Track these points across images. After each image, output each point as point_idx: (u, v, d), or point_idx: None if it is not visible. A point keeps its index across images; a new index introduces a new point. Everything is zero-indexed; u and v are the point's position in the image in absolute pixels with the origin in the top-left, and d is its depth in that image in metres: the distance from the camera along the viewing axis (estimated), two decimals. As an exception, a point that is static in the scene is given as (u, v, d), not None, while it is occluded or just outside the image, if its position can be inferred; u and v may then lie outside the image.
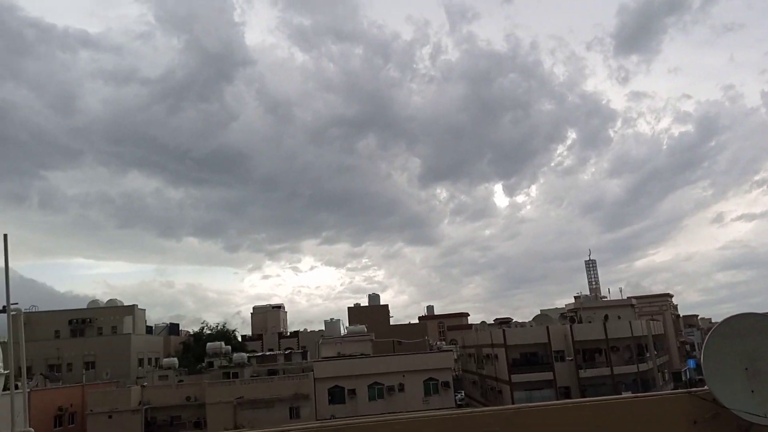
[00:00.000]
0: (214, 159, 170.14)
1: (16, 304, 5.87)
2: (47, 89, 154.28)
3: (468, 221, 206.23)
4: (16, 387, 5.96)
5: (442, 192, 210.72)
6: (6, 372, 5.91)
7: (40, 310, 71.54)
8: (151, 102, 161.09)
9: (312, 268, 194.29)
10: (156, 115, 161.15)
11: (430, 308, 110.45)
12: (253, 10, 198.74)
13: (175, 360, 64.64)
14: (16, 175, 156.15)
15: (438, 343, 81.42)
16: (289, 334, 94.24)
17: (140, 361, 71.80)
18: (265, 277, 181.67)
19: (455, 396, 58.05)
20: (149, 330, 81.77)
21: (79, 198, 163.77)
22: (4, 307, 5.80)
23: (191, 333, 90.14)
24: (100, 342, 70.31)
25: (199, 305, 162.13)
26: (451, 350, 66.74)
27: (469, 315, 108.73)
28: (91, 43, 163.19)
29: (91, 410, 48.77)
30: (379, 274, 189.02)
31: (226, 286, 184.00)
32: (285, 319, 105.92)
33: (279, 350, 77.98)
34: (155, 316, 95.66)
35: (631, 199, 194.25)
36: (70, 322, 73.04)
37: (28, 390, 5.67)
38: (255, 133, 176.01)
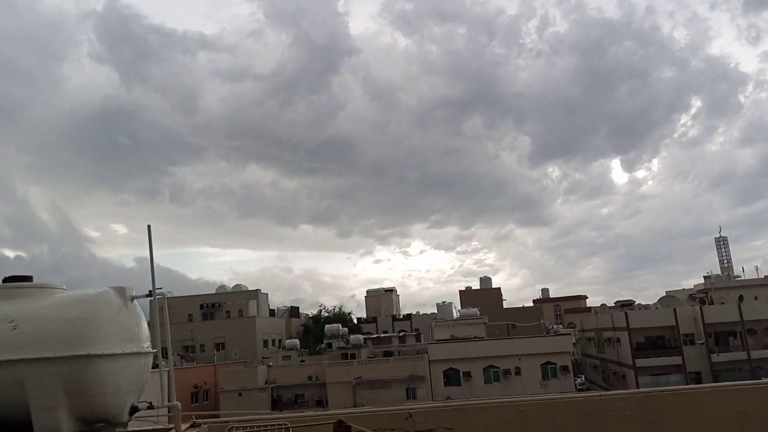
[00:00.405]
0: (325, 148, 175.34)
1: (161, 288, 6.40)
2: (171, 91, 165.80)
3: (583, 200, 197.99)
4: (156, 367, 6.55)
5: (554, 170, 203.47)
6: (155, 351, 6.49)
7: (175, 295, 77.78)
8: (265, 97, 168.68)
9: (421, 252, 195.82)
10: (270, 109, 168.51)
11: (545, 291, 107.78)
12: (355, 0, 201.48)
13: (297, 341, 67.82)
14: (148, 173, 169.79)
15: (554, 326, 79.31)
16: (402, 316, 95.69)
17: (265, 342, 76.02)
18: (377, 261, 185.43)
19: (575, 380, 56.40)
20: (272, 313, 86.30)
21: (204, 191, 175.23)
22: (150, 291, 6.35)
23: (310, 316, 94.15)
24: (228, 324, 75.22)
25: (316, 289, 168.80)
26: (569, 334, 64.78)
27: (587, 297, 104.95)
28: (207, 44, 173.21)
29: (222, 388, 52.38)
30: (490, 257, 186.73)
31: (340, 270, 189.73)
32: (398, 302, 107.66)
33: (393, 332, 79.47)
34: (277, 300, 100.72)
35: (767, 170, 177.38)
36: (201, 306, 78.69)
37: (172, 368, 6.15)
38: (362, 121, 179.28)
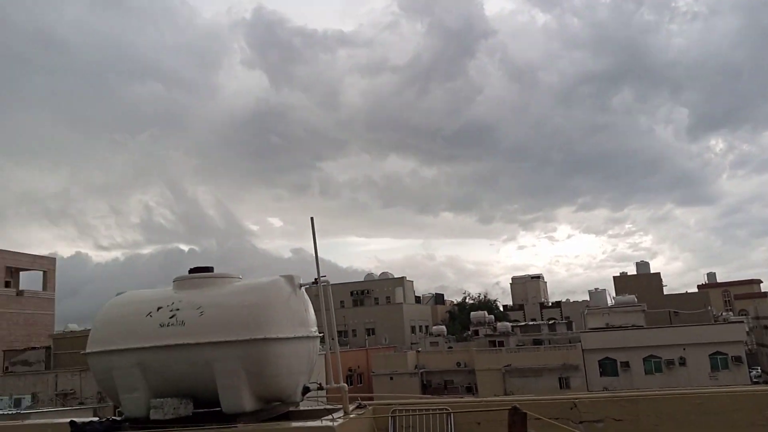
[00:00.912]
0: (463, 134, 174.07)
1: (325, 276, 6.75)
2: (315, 89, 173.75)
3: (753, 174, 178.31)
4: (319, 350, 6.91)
5: (717, 143, 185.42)
6: (321, 335, 6.87)
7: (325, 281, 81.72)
8: (402, 87, 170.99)
9: (569, 236, 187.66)
10: (407, 99, 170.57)
11: (711, 275, 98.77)
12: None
13: (444, 328, 68.40)
14: (298, 168, 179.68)
15: (724, 313, 72.50)
16: (550, 304, 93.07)
17: (412, 328, 77.61)
18: (521, 247, 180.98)
19: (750, 372, 51.24)
20: (417, 300, 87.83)
21: (349, 183, 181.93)
22: (315, 280, 6.71)
23: (455, 303, 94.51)
24: (377, 311, 77.77)
25: (459, 276, 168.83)
26: (742, 321, 58.87)
27: (761, 282, 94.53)
28: (346, 41, 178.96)
29: (374, 371, 54.31)
30: (646, 240, 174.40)
31: (483, 257, 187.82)
32: (545, 290, 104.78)
33: (542, 320, 77.40)
34: (422, 287, 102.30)
35: None
36: (351, 293, 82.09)
37: (338, 351, 6.48)
38: (501, 104, 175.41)
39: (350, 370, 56.58)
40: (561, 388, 48.70)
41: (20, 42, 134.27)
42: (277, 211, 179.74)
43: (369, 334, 74.71)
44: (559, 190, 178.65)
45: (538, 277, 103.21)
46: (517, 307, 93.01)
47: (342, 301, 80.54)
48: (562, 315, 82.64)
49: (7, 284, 44.90)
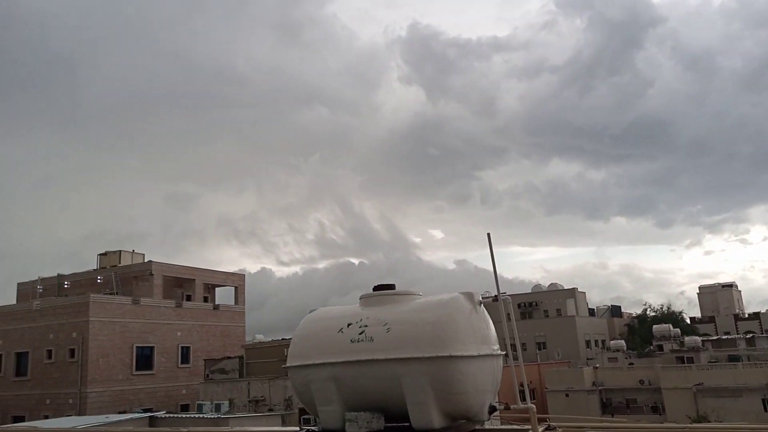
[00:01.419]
0: (633, 132, 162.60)
1: (504, 293, 6.66)
2: (470, 98, 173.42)
3: None
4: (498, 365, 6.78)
5: None
6: (503, 353, 6.76)
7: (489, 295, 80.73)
8: (562, 87, 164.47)
9: (765, 238, 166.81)
10: (568, 100, 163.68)
11: None
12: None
13: (623, 342, 64.12)
14: (457, 179, 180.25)
15: None
16: (747, 315, 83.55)
17: (587, 343, 73.68)
18: (707, 252, 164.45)
19: None
20: (591, 312, 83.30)
21: (510, 191, 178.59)
22: (496, 296, 6.65)
23: (634, 315, 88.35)
24: (547, 324, 75.01)
25: (636, 286, 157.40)
26: None
27: None
28: (501, 46, 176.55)
29: (548, 388, 52.28)
30: None
31: (663, 264, 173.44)
32: (740, 299, 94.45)
33: (737, 334, 69.59)
34: (595, 299, 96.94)
35: None
36: (519, 305, 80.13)
37: (524, 370, 6.35)
38: (675, 95, 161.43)
39: (521, 385, 55.04)
40: (765, 410, 43.23)
41: (206, 79, 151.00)
42: (438, 222, 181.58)
43: (540, 349, 72.27)
44: (750, 187, 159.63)
45: (730, 286, 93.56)
46: (707, 319, 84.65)
47: (508, 314, 78.70)
48: (761, 328, 73.77)
49: (205, 299, 50.35)
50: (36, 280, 47.82)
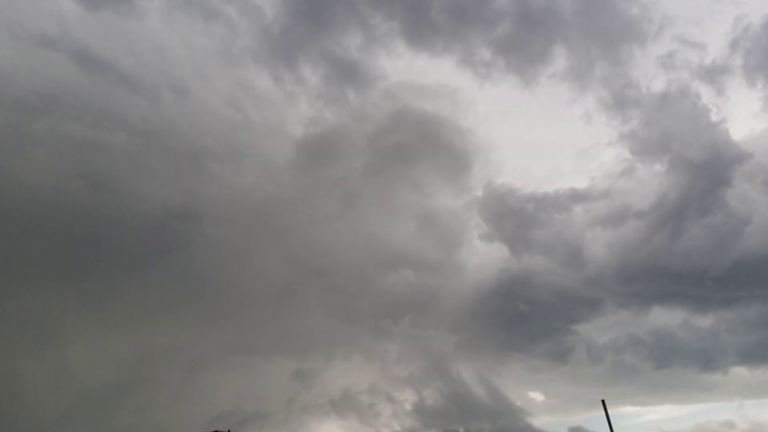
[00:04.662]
0: (738, 272, 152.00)
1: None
2: (556, 250, 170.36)
3: None
4: None
5: None
6: None
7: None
8: (651, 232, 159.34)
9: None
10: (660, 244, 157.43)
11: None
12: (729, 103, 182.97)
13: None
14: (552, 334, 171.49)
15: None
16: None
17: None
18: None
19: None
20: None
21: (611, 345, 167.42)
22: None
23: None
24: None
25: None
26: None
27: None
28: (580, 196, 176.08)
29: None
30: None
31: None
32: None
33: None
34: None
35: None
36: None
37: None
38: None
39: None
40: None
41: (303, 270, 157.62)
42: (536, 383, 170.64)
43: None
44: None
45: None
46: None
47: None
48: None
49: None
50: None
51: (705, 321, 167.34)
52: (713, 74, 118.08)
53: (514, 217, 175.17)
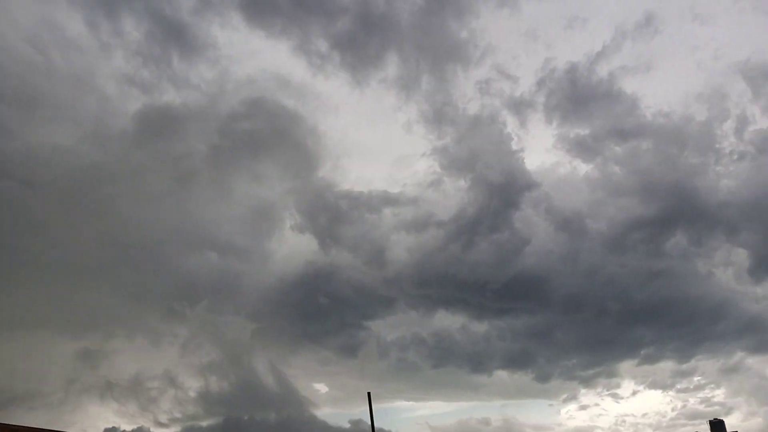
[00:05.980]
0: (513, 287, 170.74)
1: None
2: (362, 248, 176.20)
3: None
4: None
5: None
6: None
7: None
8: (447, 242, 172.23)
9: (634, 392, 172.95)
10: (453, 253, 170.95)
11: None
12: (529, 135, 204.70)
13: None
14: (346, 328, 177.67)
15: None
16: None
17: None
18: (582, 407, 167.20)
19: None
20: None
21: (397, 342, 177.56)
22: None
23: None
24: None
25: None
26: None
27: None
28: (391, 200, 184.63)
29: None
30: (718, 394, 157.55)
31: (543, 419, 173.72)
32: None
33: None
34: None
35: None
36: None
37: None
38: (549, 254, 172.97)
39: None
40: None
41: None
42: (323, 375, 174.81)
43: None
44: (620, 343, 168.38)
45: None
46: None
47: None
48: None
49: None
50: None
51: (481, 327, 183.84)
52: (520, 106, 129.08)
53: (327, 211, 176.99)
